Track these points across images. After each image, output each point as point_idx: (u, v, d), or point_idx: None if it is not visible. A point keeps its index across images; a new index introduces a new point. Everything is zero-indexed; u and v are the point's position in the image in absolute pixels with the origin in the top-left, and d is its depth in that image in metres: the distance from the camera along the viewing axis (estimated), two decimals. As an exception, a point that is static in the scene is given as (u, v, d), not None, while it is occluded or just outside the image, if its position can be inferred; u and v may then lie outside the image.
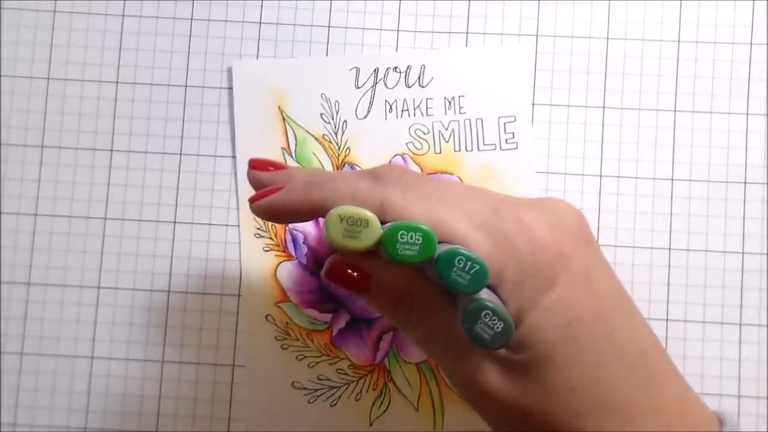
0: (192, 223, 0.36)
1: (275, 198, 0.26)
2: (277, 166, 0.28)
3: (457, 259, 0.21)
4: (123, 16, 0.37)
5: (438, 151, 0.36)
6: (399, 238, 0.22)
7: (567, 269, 0.23)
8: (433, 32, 0.36)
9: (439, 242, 0.22)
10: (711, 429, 0.23)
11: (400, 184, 0.24)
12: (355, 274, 0.24)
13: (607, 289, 0.24)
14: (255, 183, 0.28)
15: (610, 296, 0.24)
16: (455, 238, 0.23)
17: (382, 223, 0.23)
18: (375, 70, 0.36)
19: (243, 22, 0.37)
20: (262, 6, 0.37)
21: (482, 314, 0.21)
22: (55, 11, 0.37)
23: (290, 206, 0.26)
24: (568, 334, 0.22)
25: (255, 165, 0.28)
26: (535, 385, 0.23)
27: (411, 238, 0.22)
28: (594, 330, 0.23)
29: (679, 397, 0.23)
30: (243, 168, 0.36)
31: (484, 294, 0.22)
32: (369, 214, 0.23)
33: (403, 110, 0.36)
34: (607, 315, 0.23)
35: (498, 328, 0.21)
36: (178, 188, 0.36)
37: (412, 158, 0.36)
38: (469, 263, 0.21)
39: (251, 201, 0.27)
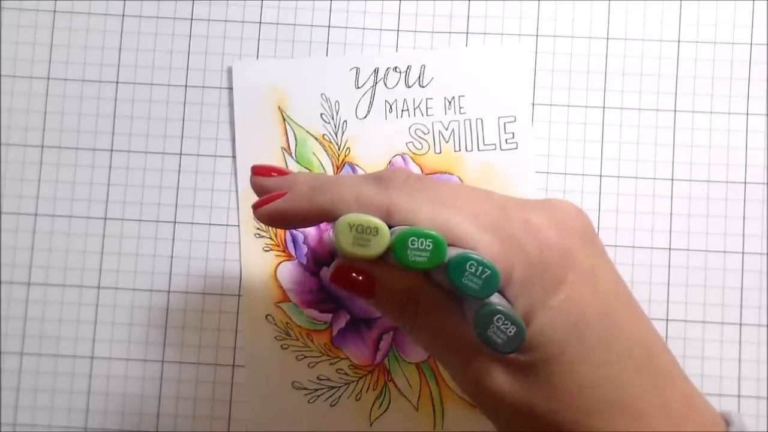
0: (192, 223, 0.36)
1: (279, 204, 0.26)
2: (280, 172, 0.27)
3: (468, 264, 0.21)
4: (123, 16, 0.37)
5: (438, 151, 0.36)
6: (409, 244, 0.22)
7: (574, 269, 0.23)
8: (433, 32, 0.37)
9: (447, 245, 0.22)
10: (718, 429, 0.23)
11: (406, 187, 0.24)
12: (361, 278, 0.24)
13: (612, 289, 0.24)
14: (258, 189, 0.27)
15: (616, 296, 0.24)
16: (463, 240, 0.23)
17: (389, 227, 0.23)
18: (375, 70, 0.36)
19: (243, 22, 0.37)
20: (262, 6, 0.37)
21: (495, 318, 0.21)
22: (55, 11, 0.37)
23: (295, 212, 0.26)
24: (575, 333, 0.22)
25: (258, 171, 0.28)
26: (543, 386, 0.23)
27: (421, 245, 0.22)
28: (601, 330, 0.23)
29: (687, 397, 0.24)
30: (243, 168, 0.36)
31: (495, 298, 0.22)
32: (379, 222, 0.22)
33: (403, 110, 0.36)
34: (613, 315, 0.23)
35: (511, 332, 0.21)
36: (178, 188, 0.36)
37: (412, 158, 0.36)
38: (481, 268, 0.21)
39: (255, 207, 0.26)
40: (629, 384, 0.23)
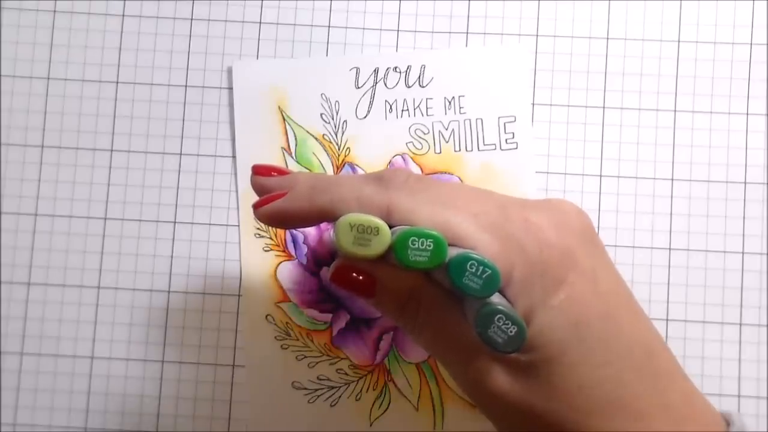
0: (192, 223, 0.36)
1: (279, 204, 0.26)
2: (280, 172, 0.27)
3: (468, 264, 0.21)
4: (123, 16, 0.37)
5: (438, 151, 0.36)
6: (410, 244, 0.22)
7: (574, 269, 0.23)
8: (433, 32, 0.37)
9: (447, 245, 0.22)
10: (719, 429, 0.23)
11: (406, 187, 0.24)
12: (361, 278, 0.24)
13: (613, 289, 0.24)
14: (259, 189, 0.27)
15: (616, 296, 0.24)
16: (463, 240, 0.23)
17: (390, 226, 0.23)
18: (375, 70, 0.36)
19: (243, 22, 0.37)
20: (262, 6, 0.37)
21: (495, 318, 0.21)
22: (55, 11, 0.37)
23: (295, 212, 0.25)
24: (575, 334, 0.22)
25: (258, 171, 0.28)
26: (543, 386, 0.23)
27: (422, 245, 0.22)
28: (601, 330, 0.23)
29: (687, 397, 0.24)
30: (243, 168, 0.36)
31: (495, 297, 0.22)
32: (379, 222, 0.22)
33: (403, 110, 0.36)
34: (613, 315, 0.23)
35: (511, 332, 0.21)
36: (178, 188, 0.36)
37: (412, 158, 0.36)
38: (481, 268, 0.21)
39: (255, 207, 0.26)
40: (629, 384, 0.23)
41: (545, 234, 0.23)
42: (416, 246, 0.22)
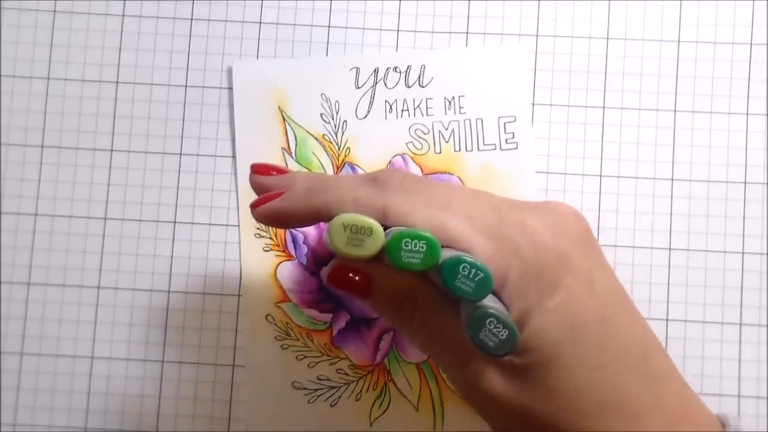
0: (192, 223, 0.36)
1: (277, 204, 0.26)
2: (279, 171, 0.27)
3: (461, 267, 0.21)
4: (123, 16, 0.37)
5: (438, 151, 0.36)
6: (403, 245, 0.22)
7: (570, 271, 0.23)
8: (433, 32, 0.36)
9: (442, 247, 0.22)
10: (714, 430, 0.23)
11: (402, 189, 0.24)
12: (357, 278, 0.24)
13: (609, 291, 0.24)
14: (257, 188, 0.28)
15: (612, 298, 0.24)
16: (458, 242, 0.23)
17: (385, 228, 0.23)
18: (375, 70, 0.36)
19: (243, 22, 0.37)
20: (262, 6, 0.37)
21: (487, 321, 0.21)
22: (55, 11, 0.37)
23: (291, 212, 0.26)
24: (571, 336, 0.22)
25: (257, 170, 0.28)
26: (539, 388, 0.23)
27: (415, 246, 0.22)
28: (598, 332, 0.23)
29: (683, 398, 0.24)
30: (243, 168, 0.36)
31: (489, 300, 0.22)
32: (373, 223, 0.22)
33: (403, 110, 0.36)
34: (610, 317, 0.23)
35: (503, 335, 0.21)
36: (178, 188, 0.36)
37: (412, 158, 0.36)
38: (474, 270, 0.21)
39: (253, 207, 0.27)
40: (625, 386, 0.23)
41: (541, 236, 0.23)
42: (409, 248, 0.22)
